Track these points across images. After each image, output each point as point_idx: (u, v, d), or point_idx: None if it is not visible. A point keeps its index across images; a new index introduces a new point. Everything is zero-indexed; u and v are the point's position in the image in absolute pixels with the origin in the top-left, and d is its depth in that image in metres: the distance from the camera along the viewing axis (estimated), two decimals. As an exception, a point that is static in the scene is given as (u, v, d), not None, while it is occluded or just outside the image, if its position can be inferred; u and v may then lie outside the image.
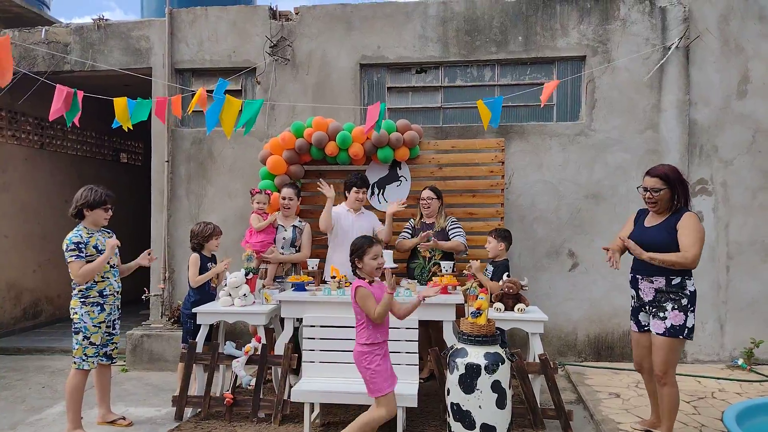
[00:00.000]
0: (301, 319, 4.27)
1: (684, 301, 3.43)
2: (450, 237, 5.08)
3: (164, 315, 6.24)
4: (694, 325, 3.48)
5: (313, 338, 4.12)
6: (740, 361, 5.52)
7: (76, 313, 3.92)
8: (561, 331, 5.88)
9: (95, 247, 3.94)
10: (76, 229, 3.94)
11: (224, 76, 6.36)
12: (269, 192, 5.30)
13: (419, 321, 4.12)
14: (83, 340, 3.91)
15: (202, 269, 4.59)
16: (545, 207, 5.96)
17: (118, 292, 4.11)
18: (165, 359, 5.76)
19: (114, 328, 4.09)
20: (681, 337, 3.43)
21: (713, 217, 5.78)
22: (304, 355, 4.11)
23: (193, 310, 4.47)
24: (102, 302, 3.97)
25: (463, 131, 6.05)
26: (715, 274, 5.76)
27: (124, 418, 4.20)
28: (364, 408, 4.33)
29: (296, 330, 4.54)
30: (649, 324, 3.59)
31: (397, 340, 4.04)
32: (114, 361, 4.14)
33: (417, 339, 4.06)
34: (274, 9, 6.34)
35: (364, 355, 3.32)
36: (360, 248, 3.42)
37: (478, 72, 6.20)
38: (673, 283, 3.45)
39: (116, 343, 4.14)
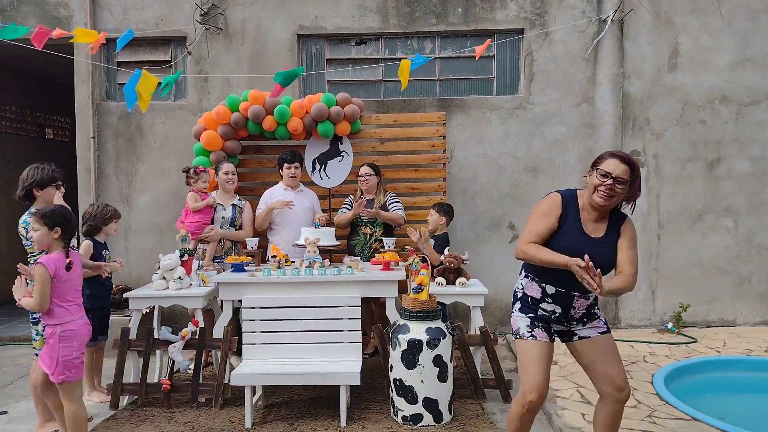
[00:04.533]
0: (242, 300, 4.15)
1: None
2: (390, 210, 5.05)
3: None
4: None
5: (254, 320, 4.02)
6: (669, 325, 5.80)
7: None
8: (502, 302, 5.99)
9: None
10: (28, 212, 3.63)
11: (152, 45, 6.05)
12: (210, 170, 5.06)
13: (362, 298, 4.09)
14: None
15: (96, 258, 4.13)
16: (486, 180, 6.00)
17: None
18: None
19: None
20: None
21: (645, 187, 5.97)
22: (245, 338, 4.01)
23: (125, 295, 4.28)
24: None
25: (404, 105, 5.97)
26: (647, 243, 5.99)
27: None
28: (309, 389, 4.32)
29: (237, 311, 4.42)
30: (575, 333, 2.77)
31: (339, 318, 4.01)
32: None
33: (359, 316, 4.03)
34: (204, -25, 6.01)
35: None
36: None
37: (419, 44, 6.11)
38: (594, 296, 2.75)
39: None
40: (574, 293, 2.66)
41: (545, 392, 2.65)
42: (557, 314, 2.73)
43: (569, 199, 2.68)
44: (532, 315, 2.76)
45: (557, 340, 2.83)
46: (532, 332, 2.72)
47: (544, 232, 2.64)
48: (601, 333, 2.73)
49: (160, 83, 4.35)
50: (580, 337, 2.76)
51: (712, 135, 5.95)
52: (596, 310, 2.79)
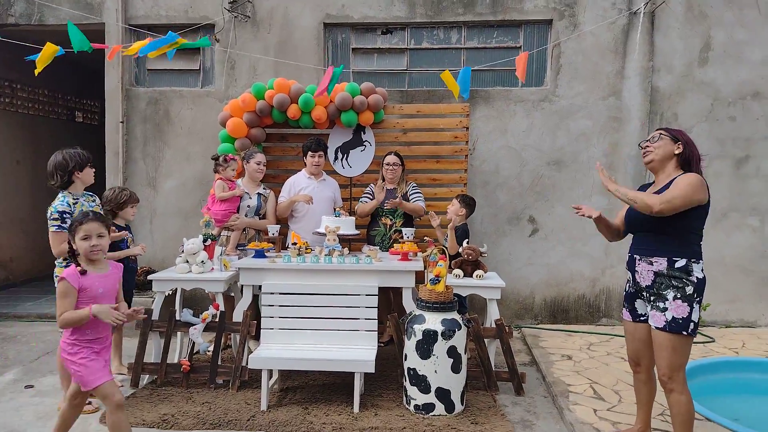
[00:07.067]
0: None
1: (688, 289, 2.86)
2: (410, 201, 5.08)
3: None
4: (700, 318, 2.94)
5: (272, 305, 4.10)
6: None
7: None
8: (519, 295, 5.99)
9: None
10: (61, 196, 3.68)
11: (180, 33, 6.11)
12: (237, 157, 5.13)
13: (379, 287, 4.14)
14: None
15: (116, 242, 4.14)
16: (508, 173, 5.97)
17: None
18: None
19: None
20: (684, 333, 2.85)
21: (670, 184, 5.88)
22: (263, 322, 4.09)
23: (150, 277, 4.39)
24: None
25: (428, 95, 5.97)
26: (670, 240, 5.90)
27: (89, 403, 3.85)
28: (324, 375, 4.39)
29: (257, 297, 4.51)
30: (647, 314, 3.08)
31: (356, 306, 4.06)
32: None
33: (376, 305, 4.07)
34: (233, -38, 6.06)
35: (68, 345, 2.85)
36: (71, 226, 2.87)
37: (445, 34, 6.09)
38: (677, 266, 2.89)
39: None
40: (635, 255, 3.06)
41: (640, 362, 3.19)
42: (630, 282, 3.15)
43: (644, 186, 3.23)
44: (624, 293, 3.24)
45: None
46: (622, 312, 3.27)
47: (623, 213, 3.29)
48: (657, 328, 2.94)
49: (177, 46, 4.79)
50: (644, 319, 3.13)
51: (742, 132, 5.81)
52: (667, 291, 2.91)
